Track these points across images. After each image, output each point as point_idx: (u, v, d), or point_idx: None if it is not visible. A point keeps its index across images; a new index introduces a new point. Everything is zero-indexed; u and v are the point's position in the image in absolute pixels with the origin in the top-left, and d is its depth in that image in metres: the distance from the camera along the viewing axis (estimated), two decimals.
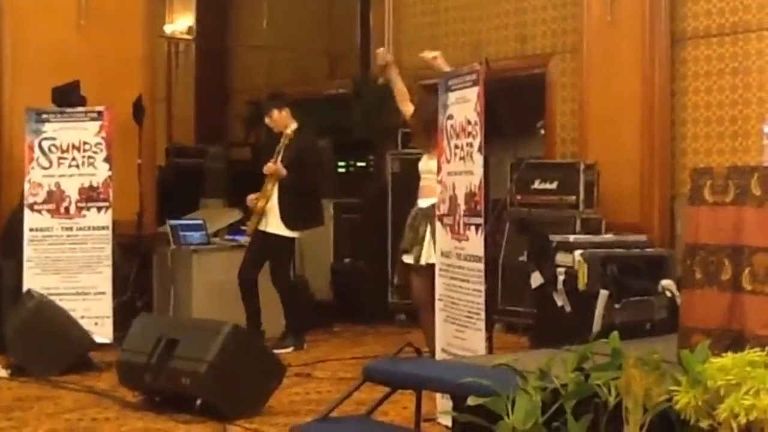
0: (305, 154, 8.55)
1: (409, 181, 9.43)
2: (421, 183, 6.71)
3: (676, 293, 6.59)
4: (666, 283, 7.05)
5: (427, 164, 6.66)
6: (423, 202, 6.55)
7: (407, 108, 7.03)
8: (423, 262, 6.42)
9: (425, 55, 6.74)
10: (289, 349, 8.31)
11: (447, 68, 6.36)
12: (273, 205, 8.46)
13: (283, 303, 8.58)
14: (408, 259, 6.67)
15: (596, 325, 6.82)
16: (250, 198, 8.56)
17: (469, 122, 5.50)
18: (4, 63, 9.17)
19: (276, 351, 7.41)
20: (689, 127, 8.98)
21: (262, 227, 8.50)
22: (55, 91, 8.75)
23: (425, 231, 6.39)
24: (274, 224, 8.47)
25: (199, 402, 5.92)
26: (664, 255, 7.67)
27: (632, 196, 9.02)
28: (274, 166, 8.45)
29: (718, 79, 8.83)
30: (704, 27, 8.89)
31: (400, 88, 7.10)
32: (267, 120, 8.70)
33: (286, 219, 8.43)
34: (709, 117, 8.85)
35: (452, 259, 5.64)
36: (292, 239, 8.60)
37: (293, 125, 8.60)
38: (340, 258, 10.44)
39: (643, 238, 8.00)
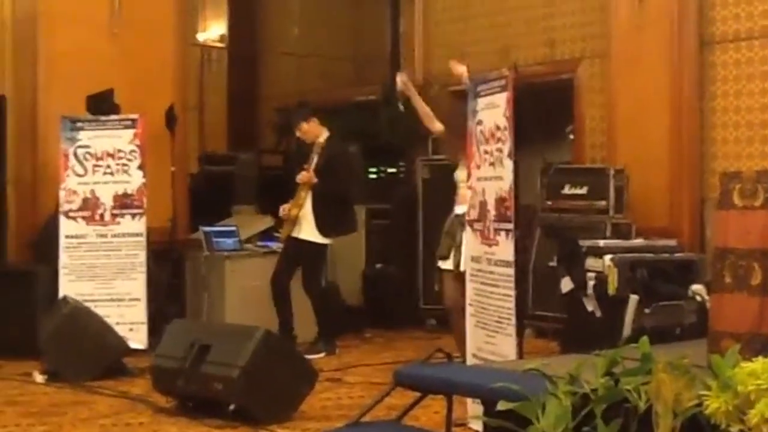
0: (336, 161, 8.62)
1: (439, 187, 9.48)
2: (459, 191, 6.72)
3: (706, 298, 6.57)
4: (696, 287, 7.02)
5: (463, 173, 6.66)
6: (459, 209, 6.56)
7: (435, 126, 7.06)
8: (462, 268, 6.43)
9: (454, 66, 6.76)
10: (321, 355, 8.35)
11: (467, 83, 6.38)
12: (306, 213, 8.53)
13: (315, 309, 8.63)
14: (446, 265, 6.69)
15: (626, 330, 6.81)
16: (284, 207, 8.62)
17: (498, 128, 5.53)
18: (38, 72, 9.28)
19: (308, 356, 7.47)
20: (718, 131, 8.95)
21: (295, 234, 8.56)
22: (89, 99, 8.85)
23: (462, 237, 6.40)
24: (307, 231, 8.53)
25: (231, 407, 5.96)
26: (693, 259, 7.64)
27: (662, 201, 8.99)
28: (307, 174, 8.51)
29: (747, 83, 8.79)
30: (733, 31, 8.85)
31: (423, 109, 7.11)
32: (298, 133, 8.76)
33: (320, 226, 8.50)
34: (738, 121, 8.81)
35: (482, 264, 5.67)
36: (325, 245, 8.67)
37: (324, 134, 8.66)
38: (371, 264, 10.48)
39: (672, 242, 7.97)
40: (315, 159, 8.58)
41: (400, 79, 7.28)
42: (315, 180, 8.48)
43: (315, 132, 8.66)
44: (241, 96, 14.03)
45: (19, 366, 7.73)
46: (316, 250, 8.59)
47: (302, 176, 8.55)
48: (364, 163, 11.15)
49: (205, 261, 8.99)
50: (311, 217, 8.53)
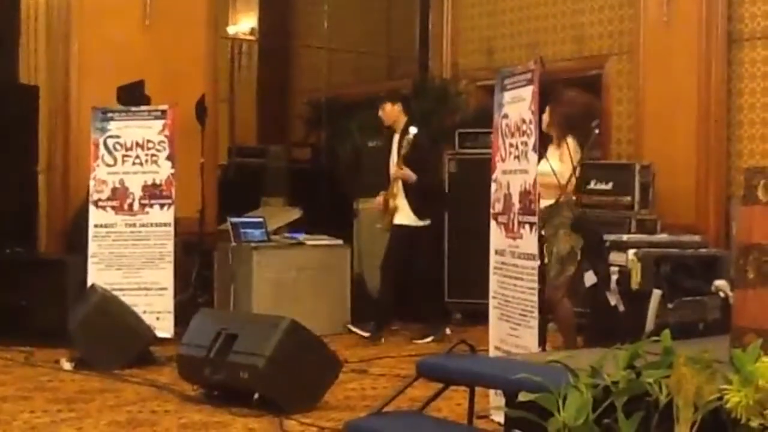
0: (424, 152, 8.77)
1: (466, 181, 9.50)
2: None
3: (730, 294, 6.55)
4: (719, 283, 7.00)
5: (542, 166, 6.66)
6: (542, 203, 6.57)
7: None
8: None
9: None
10: (365, 334, 8.48)
11: None
12: (401, 200, 8.69)
13: (381, 290, 8.81)
14: None
15: (649, 325, 6.80)
16: (377, 201, 8.87)
17: (523, 121, 5.55)
18: (71, 63, 9.38)
19: (352, 328, 7.86)
20: (745, 128, 8.94)
21: (396, 221, 8.74)
22: (120, 90, 8.93)
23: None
24: (403, 216, 8.71)
25: (256, 396, 6.00)
26: (717, 255, 7.62)
27: (687, 197, 9.00)
28: (400, 171, 8.62)
29: None
30: (761, 28, 8.84)
31: None
32: (380, 113, 8.88)
33: (415, 209, 8.68)
34: (765, 118, 8.79)
35: (506, 257, 5.69)
36: (421, 228, 8.80)
37: (403, 119, 8.75)
38: None
39: (697, 238, 7.96)
40: (400, 149, 8.66)
41: None
42: (411, 176, 8.61)
43: (395, 116, 8.79)
44: (272, 89, 14.11)
45: (49, 353, 7.79)
46: (410, 232, 8.75)
47: (395, 172, 8.67)
48: None
49: (233, 252, 9.03)
50: (405, 204, 8.68)
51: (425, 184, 8.71)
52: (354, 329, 8.06)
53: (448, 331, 8.88)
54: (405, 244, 8.81)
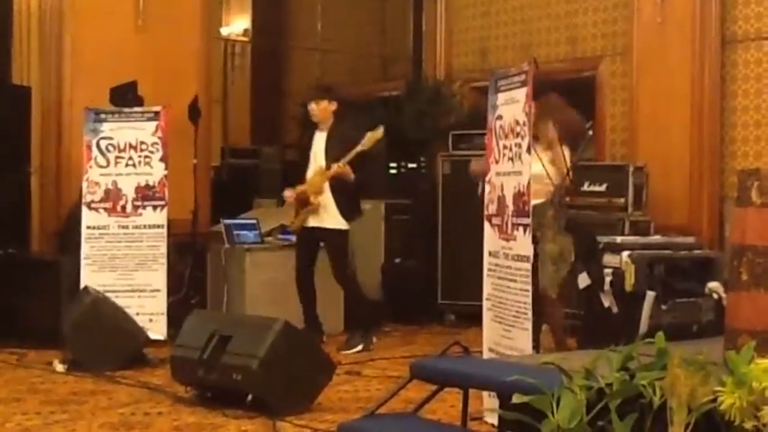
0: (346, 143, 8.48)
1: (459, 183, 9.49)
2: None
3: (723, 295, 6.57)
4: (713, 285, 7.01)
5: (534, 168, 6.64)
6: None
7: None
8: None
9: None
10: (358, 348, 8.33)
11: None
12: (326, 200, 8.42)
13: (349, 300, 8.72)
14: None
15: (643, 327, 6.80)
16: (292, 194, 8.60)
17: (517, 123, 5.55)
18: (63, 63, 9.34)
19: (345, 352, 7.80)
20: (739, 130, 8.95)
21: (315, 224, 8.47)
22: (113, 91, 8.90)
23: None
24: (330, 219, 8.44)
25: (249, 398, 6.01)
26: (711, 257, 7.62)
27: (681, 199, 9.01)
28: (342, 168, 8.27)
29: None
30: (755, 30, 8.85)
31: None
32: (312, 106, 8.56)
33: (343, 211, 8.41)
34: (759, 120, 8.80)
35: (500, 258, 5.69)
36: (348, 231, 8.55)
37: (332, 119, 8.52)
38: (390, 258, 10.47)
39: (690, 239, 7.96)
40: (325, 148, 8.46)
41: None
42: (351, 176, 8.32)
43: (327, 115, 8.50)
44: (265, 90, 14.08)
45: (42, 355, 7.79)
46: (343, 237, 8.53)
47: (336, 169, 8.31)
48: (386, 157, 11.14)
49: (226, 253, 9.02)
50: (331, 204, 8.42)
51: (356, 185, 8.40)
52: (347, 352, 8.03)
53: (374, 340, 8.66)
54: (345, 248, 8.62)
